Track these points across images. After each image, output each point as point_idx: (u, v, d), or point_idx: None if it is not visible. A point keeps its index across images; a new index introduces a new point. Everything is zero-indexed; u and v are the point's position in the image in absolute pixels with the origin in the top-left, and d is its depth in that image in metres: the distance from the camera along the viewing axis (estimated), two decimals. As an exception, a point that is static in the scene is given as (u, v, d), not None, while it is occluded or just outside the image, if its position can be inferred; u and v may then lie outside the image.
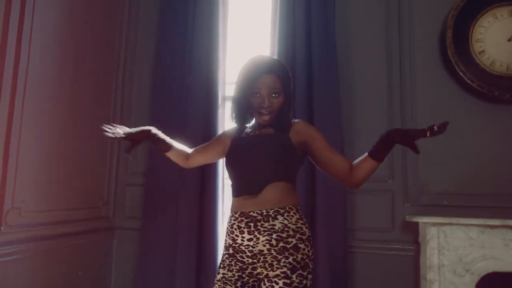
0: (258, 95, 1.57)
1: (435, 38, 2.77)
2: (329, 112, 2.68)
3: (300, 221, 1.52)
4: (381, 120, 2.77)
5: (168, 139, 1.87)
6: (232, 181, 1.64)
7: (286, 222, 1.49)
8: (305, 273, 1.45)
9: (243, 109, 1.64)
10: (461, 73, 2.61)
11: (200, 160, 1.90)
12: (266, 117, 1.59)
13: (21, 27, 2.16)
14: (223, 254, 1.63)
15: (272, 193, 1.52)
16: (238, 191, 1.60)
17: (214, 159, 1.94)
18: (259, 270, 1.51)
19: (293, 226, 1.49)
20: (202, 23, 2.92)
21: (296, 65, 2.70)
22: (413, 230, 2.59)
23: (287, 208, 1.52)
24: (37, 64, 2.27)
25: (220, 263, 1.61)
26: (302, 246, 1.47)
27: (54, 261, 2.42)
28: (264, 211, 1.51)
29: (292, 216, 1.51)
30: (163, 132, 2.93)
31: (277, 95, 1.58)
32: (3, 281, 2.05)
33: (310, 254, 1.49)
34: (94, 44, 2.84)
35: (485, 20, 2.66)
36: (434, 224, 2.41)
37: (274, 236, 1.47)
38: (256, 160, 1.56)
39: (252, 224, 1.51)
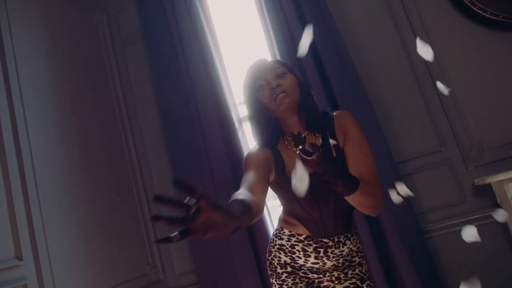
0: (262, 87, 1.36)
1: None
2: (355, 100, 2.44)
3: (359, 243, 1.54)
4: (412, 90, 2.52)
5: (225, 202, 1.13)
6: (301, 220, 1.42)
7: (351, 246, 1.48)
8: (371, 283, 1.48)
9: (263, 118, 1.38)
10: (480, 11, 2.36)
11: (264, 199, 1.27)
12: (286, 100, 1.31)
13: (12, 111, 2.02)
14: (279, 273, 1.45)
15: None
16: (323, 234, 1.42)
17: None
18: (325, 283, 1.47)
19: (355, 248, 1.50)
20: (192, 47, 2.77)
21: (303, 61, 2.49)
22: (488, 193, 2.29)
23: (352, 233, 1.50)
24: (39, 148, 2.13)
25: (281, 284, 1.44)
26: (363, 262, 1.52)
27: None
28: (336, 238, 1.44)
29: (355, 239, 1.51)
30: (184, 171, 2.70)
31: (283, 75, 1.35)
32: None
33: (367, 268, 1.54)
34: (94, 113, 2.72)
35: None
36: (511, 180, 2.12)
37: (340, 260, 1.46)
38: (337, 202, 1.38)
39: (322, 250, 1.43)
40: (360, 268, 1.49)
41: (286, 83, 1.34)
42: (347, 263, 1.47)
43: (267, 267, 1.53)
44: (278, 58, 2.57)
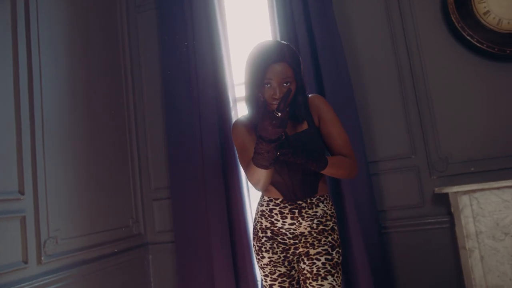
0: (269, 85, 1.48)
1: (437, 5, 2.72)
2: (341, 95, 2.67)
3: (333, 207, 1.70)
4: (395, 96, 2.75)
5: None
6: (278, 185, 1.62)
7: (325, 208, 1.64)
8: (340, 250, 1.65)
9: (256, 103, 1.55)
10: (468, 37, 2.57)
11: None
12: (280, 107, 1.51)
13: (30, 62, 2.21)
14: (260, 237, 1.66)
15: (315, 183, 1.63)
16: (290, 195, 1.60)
17: None
18: (300, 249, 1.63)
19: (329, 212, 1.66)
20: (202, 27, 2.95)
21: (300, 51, 2.68)
22: (444, 201, 2.56)
23: (325, 196, 1.66)
24: (50, 96, 2.33)
25: (260, 247, 1.65)
26: (336, 227, 1.68)
27: (95, 284, 2.47)
28: (309, 199, 1.61)
29: (329, 202, 1.67)
30: (178, 140, 2.93)
31: (288, 84, 1.48)
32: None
33: (338, 234, 1.69)
34: (101, 68, 2.89)
35: (485, -20, 2.61)
36: (465, 193, 2.37)
37: (315, 221, 1.61)
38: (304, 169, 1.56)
39: (296, 211, 1.60)
40: (333, 236, 1.63)
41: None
42: (321, 226, 1.61)
43: (252, 232, 1.75)
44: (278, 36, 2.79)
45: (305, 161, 1.40)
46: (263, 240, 1.65)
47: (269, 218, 1.64)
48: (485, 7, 2.60)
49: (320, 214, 1.62)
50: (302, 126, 1.61)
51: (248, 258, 2.72)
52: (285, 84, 1.47)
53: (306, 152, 1.40)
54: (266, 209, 1.65)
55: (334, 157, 1.55)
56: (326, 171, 1.48)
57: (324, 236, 1.62)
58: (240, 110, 3.00)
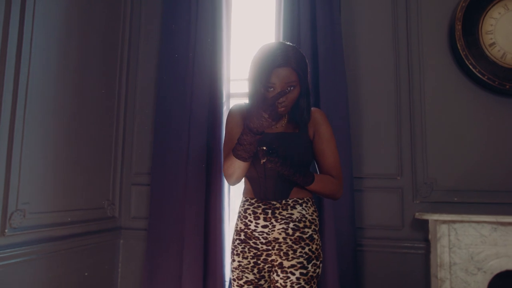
0: (272, 89, 1.46)
1: (444, 30, 2.69)
2: (335, 106, 2.63)
3: (315, 213, 1.58)
4: (390, 115, 2.71)
5: None
6: (252, 180, 1.59)
7: (303, 212, 1.53)
8: (318, 262, 1.52)
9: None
10: (471, 66, 2.54)
11: None
12: (282, 109, 1.48)
13: (21, 30, 2.13)
14: (234, 239, 1.62)
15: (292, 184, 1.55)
16: (261, 193, 1.56)
17: None
18: (273, 257, 1.53)
19: (310, 217, 1.54)
20: (206, 17, 2.87)
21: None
22: (423, 227, 2.54)
23: (305, 199, 1.56)
24: (38, 65, 2.25)
25: (233, 249, 1.61)
26: (315, 236, 1.54)
27: (59, 263, 2.41)
28: (283, 200, 1.53)
29: (309, 207, 1.56)
30: (167, 131, 2.89)
31: (292, 88, 1.46)
32: (9, 284, 2.04)
33: (320, 244, 1.57)
34: (97, 44, 2.81)
35: (495, 11, 2.58)
36: (444, 222, 2.35)
37: (291, 225, 1.51)
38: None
39: (269, 211, 1.53)
40: (311, 246, 1.50)
41: (291, 98, 1.47)
42: (298, 233, 1.50)
43: None
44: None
45: (292, 173, 1.42)
46: (236, 243, 1.61)
47: (243, 219, 1.59)
48: (491, 38, 2.57)
49: (297, 217, 1.52)
50: (294, 129, 1.60)
51: (219, 258, 2.68)
52: (288, 88, 1.45)
53: (295, 164, 1.43)
54: (242, 210, 1.62)
55: (322, 175, 1.55)
56: (311, 187, 1.49)
57: (300, 247, 1.50)
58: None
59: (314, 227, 1.56)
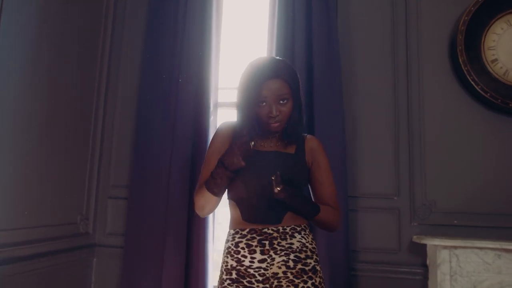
0: (264, 104, 1.37)
1: (445, 44, 2.58)
2: (331, 122, 2.48)
3: (314, 241, 1.47)
4: (387, 130, 2.57)
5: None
6: (241, 202, 1.42)
7: (303, 241, 1.41)
8: None
9: (251, 119, 1.40)
10: (472, 83, 2.43)
11: None
12: (276, 124, 1.39)
13: None
14: (223, 280, 1.40)
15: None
16: (250, 215, 1.40)
17: None
18: None
19: (310, 246, 1.42)
20: (195, 22, 2.68)
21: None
22: (421, 251, 2.38)
23: (302, 226, 1.44)
24: (3, 68, 2.02)
25: None
26: (318, 268, 1.41)
27: (28, 284, 2.15)
28: (281, 228, 1.39)
29: (308, 235, 1.45)
30: (148, 141, 2.66)
31: (285, 101, 1.38)
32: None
33: (323, 276, 1.44)
34: (75, 45, 2.58)
35: (498, 27, 2.48)
36: (445, 247, 2.19)
37: (291, 256, 1.37)
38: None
39: (267, 242, 1.37)
40: (314, 280, 1.36)
41: (285, 111, 1.38)
42: (300, 266, 1.36)
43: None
44: (274, 55, 2.54)
45: (300, 204, 1.37)
46: (225, 284, 1.38)
47: (235, 255, 1.38)
48: (493, 54, 2.47)
49: (297, 247, 1.38)
50: (288, 149, 1.47)
51: (201, 278, 2.47)
52: (281, 102, 1.37)
53: (302, 196, 1.37)
54: (232, 244, 1.41)
55: (324, 206, 1.45)
56: (315, 219, 1.41)
57: (302, 281, 1.34)
58: (219, 117, 2.76)
59: (316, 257, 1.42)
